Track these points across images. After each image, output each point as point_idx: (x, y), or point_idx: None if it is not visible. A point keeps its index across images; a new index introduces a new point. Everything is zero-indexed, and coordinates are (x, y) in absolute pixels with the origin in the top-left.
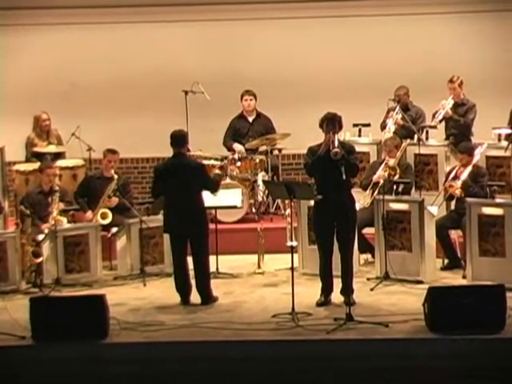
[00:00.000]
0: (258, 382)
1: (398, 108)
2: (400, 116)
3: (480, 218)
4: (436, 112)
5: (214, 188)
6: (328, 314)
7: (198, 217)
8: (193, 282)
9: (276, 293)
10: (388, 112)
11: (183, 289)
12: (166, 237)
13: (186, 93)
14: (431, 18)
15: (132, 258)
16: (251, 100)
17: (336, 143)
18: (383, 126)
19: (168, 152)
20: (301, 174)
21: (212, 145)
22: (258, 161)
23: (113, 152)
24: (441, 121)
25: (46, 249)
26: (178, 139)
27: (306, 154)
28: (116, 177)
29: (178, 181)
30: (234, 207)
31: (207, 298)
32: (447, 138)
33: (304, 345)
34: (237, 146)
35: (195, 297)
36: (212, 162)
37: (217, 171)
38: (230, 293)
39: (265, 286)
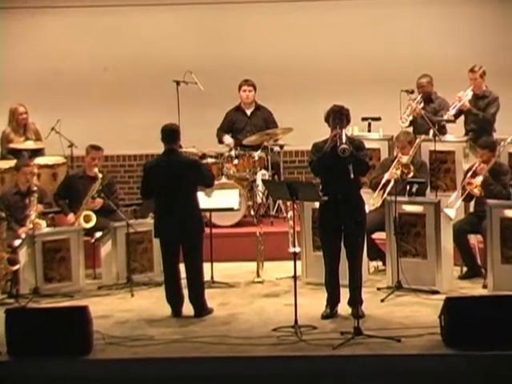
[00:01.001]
0: None
1: (419, 97)
2: (421, 106)
3: (502, 221)
4: (451, 104)
5: (211, 182)
6: (334, 327)
7: (192, 220)
8: (185, 291)
9: (277, 304)
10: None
11: (175, 299)
12: (156, 242)
13: (178, 83)
14: (450, 1)
15: (118, 265)
16: (250, 91)
17: (343, 139)
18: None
19: (158, 148)
20: (304, 172)
21: (206, 140)
22: (256, 158)
23: (97, 148)
24: (457, 115)
25: (23, 255)
26: (170, 134)
27: (311, 151)
28: (100, 176)
29: (170, 180)
30: (231, 209)
31: (201, 310)
32: (466, 134)
33: (308, 361)
34: (226, 139)
35: (188, 308)
36: (207, 159)
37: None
38: (225, 304)
39: (265, 296)
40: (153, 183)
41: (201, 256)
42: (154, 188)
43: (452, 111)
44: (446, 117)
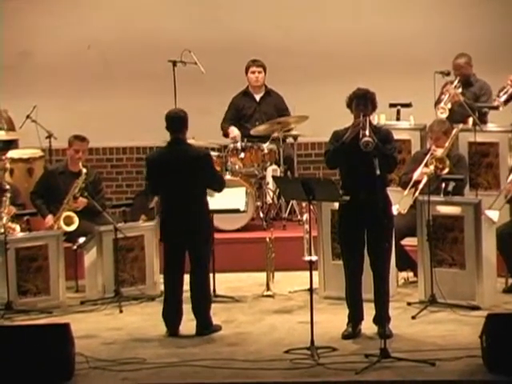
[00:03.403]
0: None
1: (456, 81)
2: (459, 90)
3: None
4: (502, 89)
5: (221, 185)
6: (357, 348)
7: (202, 222)
8: (186, 306)
9: (290, 322)
10: (444, 86)
11: (173, 316)
12: (148, 250)
13: (175, 63)
14: None
15: (104, 276)
16: (260, 72)
17: (367, 130)
18: (438, 103)
19: (151, 140)
20: (322, 167)
21: (208, 130)
22: (266, 151)
23: (81, 139)
24: (507, 100)
25: None
26: (176, 121)
27: (330, 140)
28: (85, 171)
29: (176, 175)
30: (236, 211)
31: (205, 326)
32: None
33: None
34: (232, 131)
35: (186, 326)
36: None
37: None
38: (230, 321)
39: (276, 312)
40: (157, 179)
41: (208, 264)
42: (160, 184)
43: (504, 96)
44: (496, 103)
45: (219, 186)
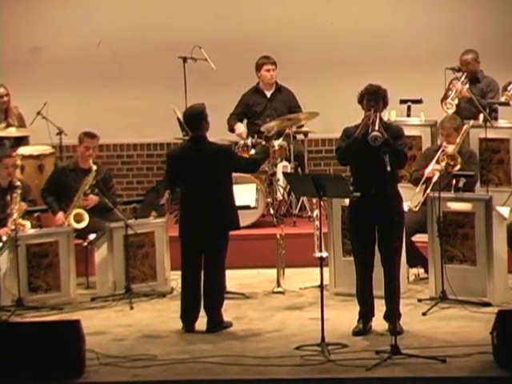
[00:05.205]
0: None
1: (463, 77)
2: (466, 87)
3: None
4: (509, 84)
5: (253, 166)
6: (368, 345)
7: (225, 218)
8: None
9: (301, 318)
10: (451, 82)
11: (192, 313)
12: (159, 247)
13: (185, 60)
14: None
15: (115, 273)
16: (273, 70)
17: (377, 125)
18: (444, 100)
19: (161, 136)
20: (333, 164)
21: (218, 126)
22: (277, 148)
23: (92, 136)
24: None
25: (4, 261)
26: (192, 120)
27: (340, 137)
28: (95, 168)
29: (199, 172)
30: (247, 208)
31: (215, 322)
32: None
33: None
34: (239, 127)
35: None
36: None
37: (263, 142)
38: (241, 318)
39: (286, 309)
40: (178, 175)
41: (225, 262)
42: (180, 181)
43: None
44: (504, 98)
45: (251, 167)
